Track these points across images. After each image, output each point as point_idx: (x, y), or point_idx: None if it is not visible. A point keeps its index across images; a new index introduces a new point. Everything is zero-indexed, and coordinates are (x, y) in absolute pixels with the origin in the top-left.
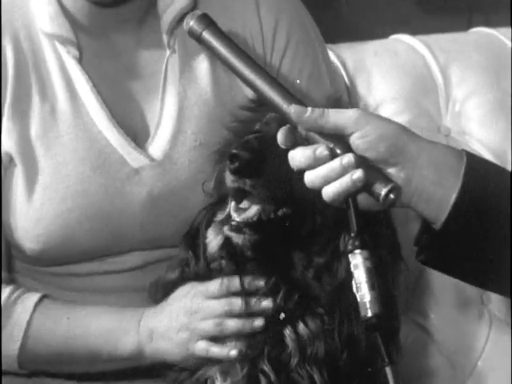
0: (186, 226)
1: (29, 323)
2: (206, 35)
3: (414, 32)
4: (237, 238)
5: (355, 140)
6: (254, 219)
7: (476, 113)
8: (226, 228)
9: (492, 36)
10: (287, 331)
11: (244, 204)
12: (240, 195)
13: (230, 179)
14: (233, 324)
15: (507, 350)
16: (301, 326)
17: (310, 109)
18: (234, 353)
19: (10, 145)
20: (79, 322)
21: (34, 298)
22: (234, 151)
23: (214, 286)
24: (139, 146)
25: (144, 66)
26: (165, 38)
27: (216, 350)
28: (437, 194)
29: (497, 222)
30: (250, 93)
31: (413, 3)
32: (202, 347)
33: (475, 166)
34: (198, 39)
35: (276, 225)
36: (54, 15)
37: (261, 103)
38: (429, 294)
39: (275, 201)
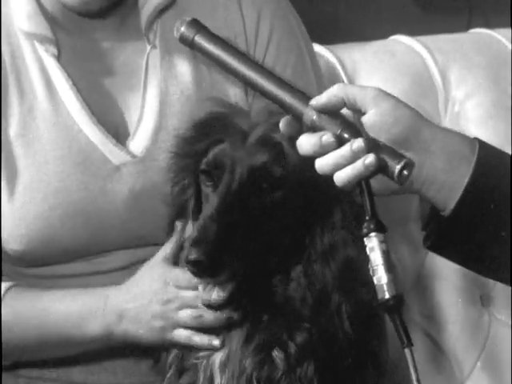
0: None
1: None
2: (198, 40)
3: (412, 33)
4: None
5: (371, 118)
6: (226, 299)
7: (475, 113)
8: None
9: (491, 37)
10: (275, 352)
11: (210, 287)
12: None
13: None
14: (211, 317)
15: (507, 351)
16: (290, 345)
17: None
18: (216, 342)
19: None
20: (47, 307)
21: (2, 287)
22: (190, 257)
23: (185, 277)
24: (120, 143)
25: (125, 63)
26: (144, 33)
27: (198, 339)
28: (448, 181)
29: (505, 211)
30: (232, 89)
31: (412, 4)
32: (182, 334)
33: (487, 155)
34: (191, 45)
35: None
36: (32, 13)
37: (202, 132)
38: (428, 295)
39: (247, 273)
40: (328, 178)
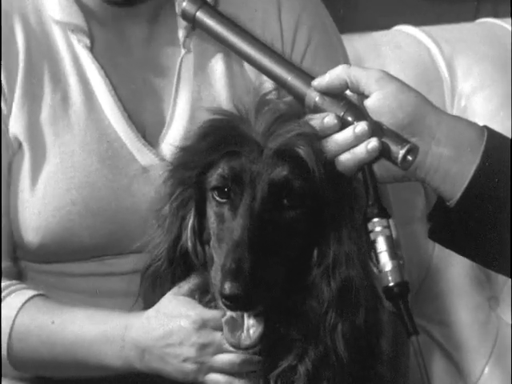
0: None
1: (14, 321)
2: (200, 15)
3: (417, 22)
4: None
5: (374, 101)
6: (257, 343)
7: (483, 108)
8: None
9: (500, 27)
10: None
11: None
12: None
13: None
14: (248, 364)
15: None
16: (307, 362)
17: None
18: None
19: (18, 129)
20: (63, 328)
21: (22, 296)
22: (227, 292)
23: (219, 316)
24: (149, 143)
25: (156, 63)
26: (181, 36)
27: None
28: (453, 170)
29: None
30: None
31: None
32: (221, 380)
33: (496, 144)
34: (192, 21)
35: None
36: (64, 3)
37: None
38: (433, 299)
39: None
40: (342, 189)
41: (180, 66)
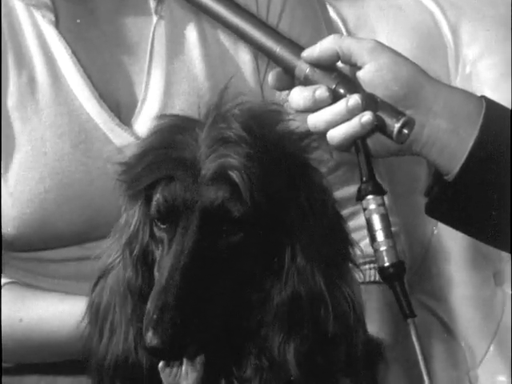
0: None
1: None
2: None
3: None
4: None
5: (368, 72)
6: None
7: (488, 75)
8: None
9: None
10: None
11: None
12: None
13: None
14: None
15: None
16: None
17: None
18: None
19: None
20: (31, 327)
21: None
22: (149, 344)
23: None
24: (123, 122)
25: (127, 34)
26: (152, 2)
27: None
28: (451, 143)
29: None
30: (243, 62)
31: None
32: None
33: (494, 116)
34: None
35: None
36: None
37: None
38: (436, 274)
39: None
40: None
41: (153, 35)
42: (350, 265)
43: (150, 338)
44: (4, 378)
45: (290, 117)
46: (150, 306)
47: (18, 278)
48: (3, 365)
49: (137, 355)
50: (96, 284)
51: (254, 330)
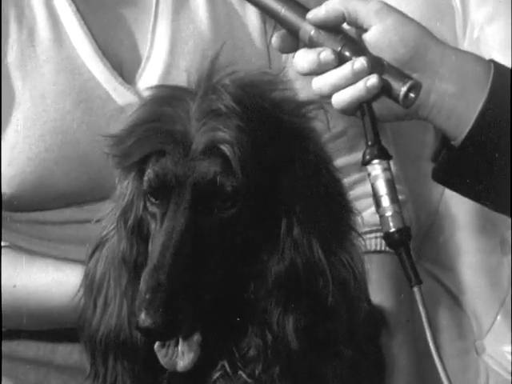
0: None
1: None
2: None
3: None
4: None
5: (374, 35)
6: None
7: (497, 39)
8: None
9: None
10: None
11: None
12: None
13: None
14: None
15: None
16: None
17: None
18: None
19: None
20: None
21: None
22: (141, 324)
23: None
24: (126, 81)
25: None
26: None
27: None
28: (458, 107)
29: None
30: (250, 24)
31: None
32: None
33: (503, 79)
34: None
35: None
36: None
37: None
38: (443, 241)
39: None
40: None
41: None
42: (353, 233)
43: (143, 319)
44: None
45: (286, 86)
46: (142, 285)
47: (14, 240)
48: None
49: (130, 331)
50: (92, 255)
51: (253, 304)
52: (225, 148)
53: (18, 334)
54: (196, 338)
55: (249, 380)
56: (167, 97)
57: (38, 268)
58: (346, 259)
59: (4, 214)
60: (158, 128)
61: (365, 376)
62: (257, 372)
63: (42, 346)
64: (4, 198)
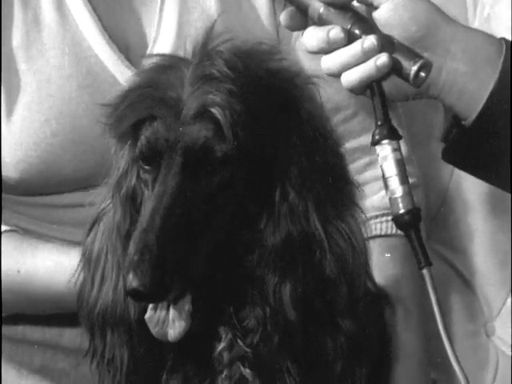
0: None
1: None
2: None
3: None
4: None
5: (384, 12)
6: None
7: (508, 17)
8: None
9: None
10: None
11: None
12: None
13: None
14: None
15: None
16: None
17: None
18: None
19: None
20: (29, 279)
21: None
22: (129, 286)
23: None
24: (133, 64)
25: None
26: None
27: None
28: (470, 86)
29: None
30: (259, 3)
31: None
32: None
33: None
34: None
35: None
36: None
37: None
38: (453, 223)
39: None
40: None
41: None
42: (353, 206)
43: (130, 280)
44: (6, 329)
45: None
46: (131, 247)
47: (20, 223)
48: (5, 315)
49: (126, 305)
50: (90, 230)
51: (250, 274)
52: (215, 111)
53: (23, 318)
54: (187, 307)
55: (247, 349)
56: (163, 65)
57: (41, 251)
58: (344, 229)
59: (10, 197)
60: (150, 94)
61: (365, 350)
62: (255, 342)
63: (48, 330)
64: (10, 182)
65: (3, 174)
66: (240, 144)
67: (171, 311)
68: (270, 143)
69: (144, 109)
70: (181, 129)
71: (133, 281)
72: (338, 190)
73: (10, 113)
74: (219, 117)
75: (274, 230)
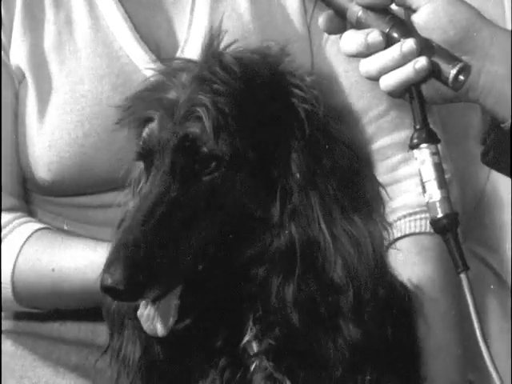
0: None
1: (15, 264)
2: None
3: None
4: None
5: (423, 16)
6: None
7: None
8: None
9: None
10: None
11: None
12: None
13: None
14: None
15: None
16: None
17: None
18: None
19: (20, 57)
20: (63, 279)
21: (28, 229)
22: (103, 283)
23: None
24: (163, 64)
25: None
26: None
27: None
28: (508, 90)
29: None
30: (289, 2)
31: None
32: None
33: None
34: None
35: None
36: None
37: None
38: (489, 223)
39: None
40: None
41: None
42: (369, 208)
43: (103, 277)
44: (42, 326)
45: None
46: (111, 246)
47: (53, 223)
48: (40, 312)
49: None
50: (119, 227)
51: (253, 278)
52: (200, 110)
53: (57, 315)
54: (175, 302)
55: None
56: (176, 68)
57: (75, 249)
58: (351, 233)
59: (43, 197)
60: (149, 96)
61: (369, 358)
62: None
63: (82, 327)
64: (44, 184)
65: (36, 175)
66: (232, 144)
67: (159, 307)
68: (268, 145)
69: (141, 111)
70: (173, 129)
71: (105, 278)
72: (347, 192)
73: (42, 114)
74: (202, 114)
75: (278, 234)
